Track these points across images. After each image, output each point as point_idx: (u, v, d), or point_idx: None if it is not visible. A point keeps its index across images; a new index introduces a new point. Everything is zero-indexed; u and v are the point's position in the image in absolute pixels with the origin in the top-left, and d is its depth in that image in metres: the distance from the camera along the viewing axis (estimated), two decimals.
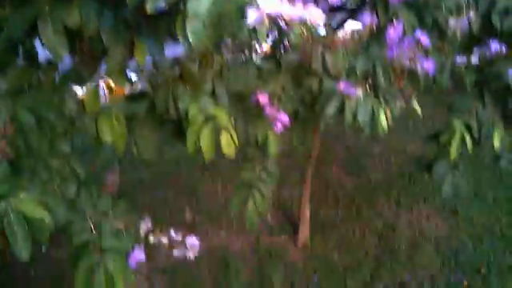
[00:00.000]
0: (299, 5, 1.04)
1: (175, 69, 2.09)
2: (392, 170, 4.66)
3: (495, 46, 2.06)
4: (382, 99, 2.07)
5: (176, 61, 2.09)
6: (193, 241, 1.97)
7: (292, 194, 4.23)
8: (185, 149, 1.92)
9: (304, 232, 3.76)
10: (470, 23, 2.15)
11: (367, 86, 2.07)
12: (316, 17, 1.08)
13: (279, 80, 2.09)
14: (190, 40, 1.05)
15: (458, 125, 2.36)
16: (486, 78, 2.39)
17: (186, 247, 1.97)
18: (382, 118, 1.99)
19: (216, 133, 1.91)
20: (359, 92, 1.97)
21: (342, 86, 1.93)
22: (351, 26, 2.26)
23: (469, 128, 2.39)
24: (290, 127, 2.38)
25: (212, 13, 1.02)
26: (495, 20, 2.13)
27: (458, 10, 2.16)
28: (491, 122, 2.35)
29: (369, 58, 2.06)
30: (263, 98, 2.00)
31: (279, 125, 2.00)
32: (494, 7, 2.12)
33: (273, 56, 2.14)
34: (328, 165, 4.69)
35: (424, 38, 1.89)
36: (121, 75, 1.80)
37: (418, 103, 2.19)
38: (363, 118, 1.99)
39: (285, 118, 2.00)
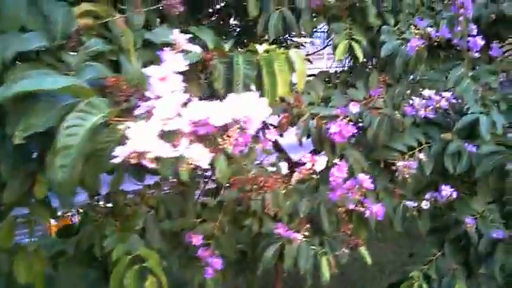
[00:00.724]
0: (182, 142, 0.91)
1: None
2: None
3: (446, 191, 1.94)
4: (326, 245, 1.91)
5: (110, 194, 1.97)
6: None
7: None
8: None
9: None
10: (421, 166, 2.06)
11: (311, 230, 1.92)
12: (198, 157, 0.94)
13: (218, 219, 1.94)
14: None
15: (415, 275, 2.18)
16: (445, 225, 2.26)
17: None
18: (325, 265, 1.81)
19: (142, 277, 1.73)
20: (299, 236, 1.81)
21: (281, 229, 1.78)
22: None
23: (428, 279, 2.20)
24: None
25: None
26: (447, 163, 2.04)
27: (409, 151, 2.08)
28: (451, 273, 2.16)
29: (314, 200, 1.94)
30: (196, 239, 1.84)
31: (210, 270, 1.81)
32: (446, 149, 2.04)
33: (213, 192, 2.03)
34: None
35: (366, 181, 1.77)
36: (41, 208, 1.65)
37: (378, 249, 2.04)
38: (304, 264, 1.81)
39: (217, 262, 1.82)
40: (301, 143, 2.23)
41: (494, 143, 2.04)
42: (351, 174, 1.97)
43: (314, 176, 1.97)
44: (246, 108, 0.93)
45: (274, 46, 1.41)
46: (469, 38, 2.05)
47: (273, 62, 1.35)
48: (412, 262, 2.28)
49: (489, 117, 2.02)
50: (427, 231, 2.34)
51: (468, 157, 2.03)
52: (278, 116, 2.01)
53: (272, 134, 1.88)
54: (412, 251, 2.56)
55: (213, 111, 0.95)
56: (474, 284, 2.27)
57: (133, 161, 0.90)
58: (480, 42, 2.03)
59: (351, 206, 1.84)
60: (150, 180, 2.07)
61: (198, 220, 1.96)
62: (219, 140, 1.57)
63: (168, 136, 0.98)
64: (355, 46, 2.05)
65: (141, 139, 0.87)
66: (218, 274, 2.02)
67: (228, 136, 1.51)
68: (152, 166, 0.89)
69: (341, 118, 1.93)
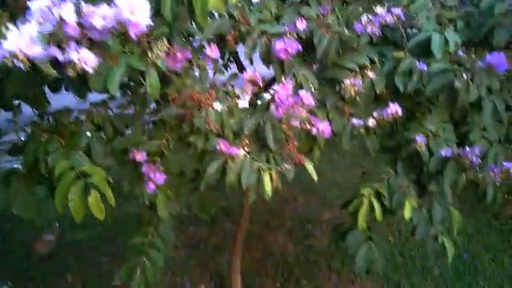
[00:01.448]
0: None
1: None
2: None
3: (392, 108, 1.92)
4: (272, 161, 1.92)
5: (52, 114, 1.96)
6: None
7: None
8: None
9: None
10: (372, 83, 2.04)
11: (258, 147, 1.93)
12: (85, 60, 0.91)
13: (164, 136, 1.94)
14: None
15: (366, 192, 2.20)
16: (399, 144, 2.26)
17: None
18: (267, 180, 1.82)
19: (87, 192, 1.75)
20: (242, 152, 1.82)
21: (223, 144, 1.78)
22: None
23: (379, 196, 2.23)
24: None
25: None
26: (398, 81, 2.02)
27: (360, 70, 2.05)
28: (402, 191, 2.18)
29: (261, 118, 1.93)
30: (140, 156, 1.85)
31: (151, 185, 1.83)
32: (397, 67, 2.01)
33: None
34: (272, 232, 4.49)
35: (307, 97, 1.76)
36: None
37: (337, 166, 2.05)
38: (247, 180, 1.82)
39: (160, 178, 1.84)
40: (251, 62, 2.21)
41: (447, 62, 2.01)
42: None
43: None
44: (127, 12, 0.91)
45: None
46: None
47: None
48: (365, 180, 2.29)
49: (442, 35, 1.98)
50: (381, 150, 2.36)
51: (419, 75, 2.00)
52: (225, 33, 1.96)
53: (213, 52, 1.83)
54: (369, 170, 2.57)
55: (95, 14, 0.92)
56: (426, 202, 2.30)
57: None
58: None
59: (295, 123, 1.83)
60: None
61: (146, 137, 1.96)
62: (149, 53, 1.55)
63: (52, 38, 0.96)
64: None
65: (17, 40, 0.85)
66: (168, 191, 2.06)
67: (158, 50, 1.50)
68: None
69: (288, 34, 1.88)
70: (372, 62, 2.09)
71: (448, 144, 2.16)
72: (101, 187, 1.76)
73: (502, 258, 4.08)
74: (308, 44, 2.05)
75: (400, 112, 1.92)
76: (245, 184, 1.82)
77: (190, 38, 2.01)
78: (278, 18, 2.10)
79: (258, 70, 2.01)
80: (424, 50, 2.04)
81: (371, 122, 1.95)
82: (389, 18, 1.89)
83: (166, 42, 1.52)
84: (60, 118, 1.93)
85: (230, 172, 1.81)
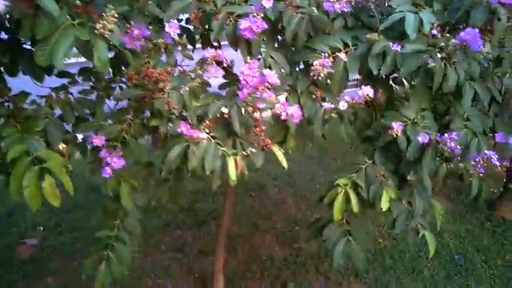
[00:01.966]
0: None
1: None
2: None
3: (364, 90, 1.83)
4: (238, 147, 1.82)
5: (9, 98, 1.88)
6: None
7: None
8: None
9: None
10: (346, 67, 1.95)
11: (225, 132, 1.83)
12: None
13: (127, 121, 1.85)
14: None
15: (342, 182, 2.11)
16: (377, 133, 2.17)
17: None
18: (232, 166, 1.73)
19: (43, 177, 1.67)
20: (204, 135, 1.72)
21: (183, 127, 1.68)
22: None
23: (356, 186, 2.13)
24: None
25: None
26: (371, 64, 1.93)
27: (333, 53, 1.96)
28: (379, 180, 2.09)
29: (228, 100, 1.84)
30: (97, 141, 1.76)
31: (108, 170, 1.73)
32: (371, 50, 1.92)
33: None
34: (261, 234, 4.39)
35: (271, 76, 1.66)
36: None
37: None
38: (210, 165, 1.73)
39: (118, 162, 1.74)
40: (219, 45, 2.13)
41: (422, 43, 1.93)
42: None
43: None
44: None
45: None
46: None
47: None
48: (343, 170, 2.19)
49: (416, 15, 1.90)
50: (360, 139, 2.27)
51: (393, 57, 1.92)
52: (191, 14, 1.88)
53: (172, 28, 1.75)
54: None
55: None
56: (406, 194, 2.20)
57: None
58: None
59: (261, 105, 1.74)
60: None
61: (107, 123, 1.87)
62: (96, 25, 1.47)
63: None
64: None
65: None
66: (133, 182, 1.97)
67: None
68: None
69: (253, 14, 1.79)
70: (346, 45, 2.00)
71: (427, 132, 2.07)
72: (57, 173, 1.67)
73: (494, 260, 3.97)
74: (278, 26, 1.97)
75: (372, 94, 1.82)
76: (208, 170, 1.72)
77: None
78: (247, 1, 2.01)
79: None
80: (399, 32, 1.96)
81: (342, 106, 1.85)
82: None
83: (114, 13, 1.44)
84: (16, 101, 1.84)
85: (192, 157, 1.72)
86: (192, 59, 2.04)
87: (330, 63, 1.87)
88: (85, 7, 1.49)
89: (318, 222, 2.36)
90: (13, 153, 1.67)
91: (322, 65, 1.83)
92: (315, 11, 1.87)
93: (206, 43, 2.16)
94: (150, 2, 1.80)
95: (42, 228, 4.62)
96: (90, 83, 2.05)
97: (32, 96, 1.90)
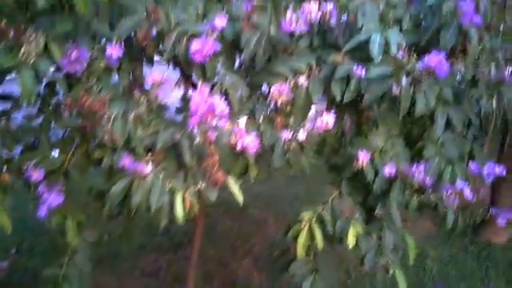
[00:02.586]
0: None
1: None
2: None
3: (326, 118, 1.69)
4: (190, 180, 1.68)
5: None
6: None
7: None
8: None
9: None
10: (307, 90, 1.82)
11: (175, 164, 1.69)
12: None
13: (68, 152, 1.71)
14: None
15: (306, 216, 1.97)
16: (345, 162, 2.04)
17: None
18: (179, 202, 1.59)
19: None
20: (149, 169, 1.58)
21: (126, 160, 1.54)
22: None
23: (322, 221, 1.99)
24: None
25: None
26: (335, 88, 1.80)
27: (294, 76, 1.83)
28: (346, 215, 1.94)
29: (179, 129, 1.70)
30: (36, 175, 1.61)
31: (44, 208, 1.59)
32: (334, 73, 1.79)
33: None
34: (239, 258, 4.23)
35: (218, 101, 1.52)
36: None
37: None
38: (156, 201, 1.58)
39: (56, 199, 1.59)
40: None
41: (388, 66, 1.79)
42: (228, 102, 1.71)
43: None
44: None
45: None
46: None
47: None
48: (311, 202, 2.05)
49: (382, 35, 1.77)
50: (328, 167, 2.14)
51: (357, 82, 1.78)
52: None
53: (114, 50, 1.60)
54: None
55: None
56: (375, 228, 2.07)
57: None
58: None
59: (213, 135, 1.60)
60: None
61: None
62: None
63: None
64: None
65: None
66: (80, 216, 1.83)
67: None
68: None
69: (207, 33, 1.66)
70: (311, 68, 1.86)
71: (397, 161, 1.94)
72: None
73: (478, 287, 3.82)
74: (236, 47, 1.84)
75: (331, 123, 1.69)
76: (154, 206, 1.58)
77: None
78: (204, 17, 1.87)
79: None
80: (365, 53, 1.82)
81: (302, 135, 1.71)
82: (314, 15, 1.67)
83: (40, 39, 1.30)
84: None
85: (136, 193, 1.57)
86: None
87: (290, 88, 1.73)
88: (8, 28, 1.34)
89: (283, 256, 2.22)
90: None
91: (279, 91, 1.70)
92: (274, 31, 1.74)
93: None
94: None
95: (14, 251, 4.45)
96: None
97: None
